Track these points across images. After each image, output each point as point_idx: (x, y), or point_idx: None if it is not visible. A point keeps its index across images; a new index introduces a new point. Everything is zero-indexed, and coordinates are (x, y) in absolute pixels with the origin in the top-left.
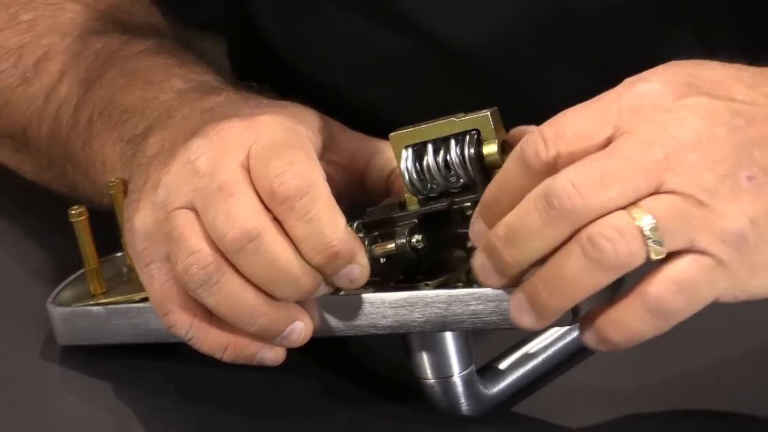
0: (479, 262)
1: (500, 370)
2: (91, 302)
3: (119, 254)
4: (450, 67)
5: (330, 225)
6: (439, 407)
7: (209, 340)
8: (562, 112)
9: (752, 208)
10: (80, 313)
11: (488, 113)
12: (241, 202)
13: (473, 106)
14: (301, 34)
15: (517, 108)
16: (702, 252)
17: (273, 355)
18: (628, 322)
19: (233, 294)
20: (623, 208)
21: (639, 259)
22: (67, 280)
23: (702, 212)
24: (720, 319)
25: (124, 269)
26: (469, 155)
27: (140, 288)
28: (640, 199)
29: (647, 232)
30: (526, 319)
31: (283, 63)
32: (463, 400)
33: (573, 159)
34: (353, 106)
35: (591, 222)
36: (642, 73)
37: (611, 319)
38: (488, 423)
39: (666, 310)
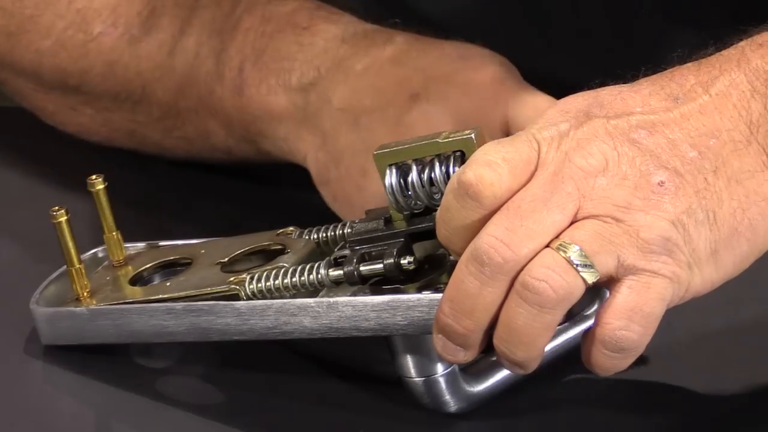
0: (440, 344)
1: (486, 367)
2: (76, 307)
3: (101, 248)
4: None
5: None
6: (423, 404)
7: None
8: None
9: (672, 210)
10: (63, 314)
11: (472, 135)
12: None
13: None
14: None
15: None
16: (636, 271)
17: None
18: (602, 362)
19: None
20: (547, 244)
21: (578, 288)
22: (49, 279)
23: (621, 228)
24: (720, 319)
25: (106, 263)
26: (453, 174)
27: (124, 289)
28: (562, 232)
29: (575, 260)
30: (514, 370)
31: None
32: (447, 397)
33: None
34: None
35: (523, 268)
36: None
37: (588, 359)
38: (474, 419)
39: (626, 345)
